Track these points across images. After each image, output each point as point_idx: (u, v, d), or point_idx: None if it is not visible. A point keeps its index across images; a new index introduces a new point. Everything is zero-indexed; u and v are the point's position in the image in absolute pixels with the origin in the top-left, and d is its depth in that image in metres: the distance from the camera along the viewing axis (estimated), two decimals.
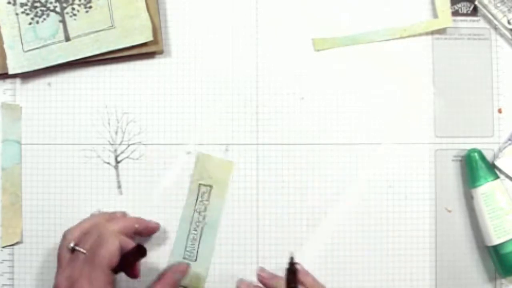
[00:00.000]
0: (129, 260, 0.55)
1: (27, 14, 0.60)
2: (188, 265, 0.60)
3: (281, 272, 0.60)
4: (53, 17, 0.60)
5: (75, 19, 0.60)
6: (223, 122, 0.61)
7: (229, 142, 0.61)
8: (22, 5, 0.60)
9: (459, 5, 0.62)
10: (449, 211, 0.61)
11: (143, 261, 0.55)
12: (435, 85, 0.62)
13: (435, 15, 0.62)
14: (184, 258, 0.60)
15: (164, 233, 0.61)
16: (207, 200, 0.60)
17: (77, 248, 0.54)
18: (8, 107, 0.61)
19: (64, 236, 0.56)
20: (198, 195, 0.60)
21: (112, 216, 0.59)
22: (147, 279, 0.59)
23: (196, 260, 0.60)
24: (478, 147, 0.61)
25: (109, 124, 0.61)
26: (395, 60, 0.62)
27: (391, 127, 0.62)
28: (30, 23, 0.60)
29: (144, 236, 0.60)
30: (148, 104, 0.61)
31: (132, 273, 0.56)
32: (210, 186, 0.60)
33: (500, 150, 0.61)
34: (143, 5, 0.60)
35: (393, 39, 0.62)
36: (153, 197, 0.61)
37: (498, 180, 0.59)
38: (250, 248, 0.61)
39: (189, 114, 0.61)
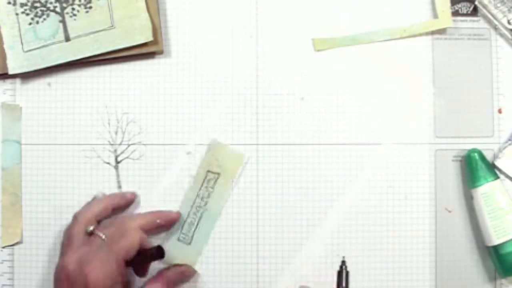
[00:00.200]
0: (144, 259, 0.55)
1: (27, 14, 0.60)
2: (191, 269, 0.59)
3: (282, 274, 0.60)
4: (53, 17, 0.60)
5: (75, 19, 0.60)
6: (223, 122, 0.61)
7: (229, 142, 0.61)
8: (22, 5, 0.60)
9: (459, 5, 0.62)
10: (449, 211, 0.61)
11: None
12: (435, 85, 0.62)
13: (435, 15, 0.62)
14: (179, 239, 0.60)
15: None
16: (212, 187, 0.60)
17: (97, 232, 0.54)
18: (8, 107, 0.61)
19: (76, 218, 0.56)
20: (204, 181, 0.60)
21: (123, 196, 0.59)
22: None
23: (190, 243, 0.60)
24: (478, 147, 0.61)
25: (109, 124, 0.61)
26: (395, 60, 0.62)
27: (391, 127, 0.62)
28: (30, 23, 0.60)
29: (165, 229, 0.60)
30: (148, 104, 0.61)
31: (142, 272, 0.56)
32: (218, 174, 0.60)
33: (500, 150, 0.61)
34: (143, 5, 0.60)
35: (393, 39, 0.62)
36: (153, 197, 0.61)
37: (498, 180, 0.59)
38: (250, 248, 0.61)
39: (189, 114, 0.61)
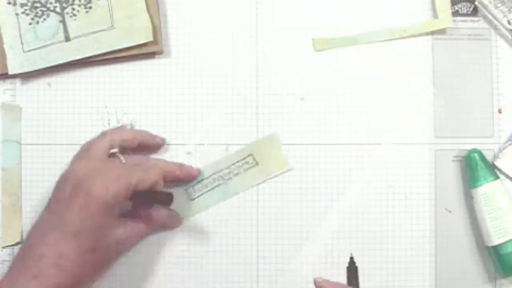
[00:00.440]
0: (150, 199, 0.55)
1: (27, 14, 0.60)
2: (178, 216, 0.59)
3: (282, 274, 0.60)
4: (53, 17, 0.60)
5: (75, 19, 0.60)
6: (223, 122, 0.61)
7: (229, 142, 0.61)
8: (22, 5, 0.60)
9: (459, 5, 0.62)
10: (449, 211, 0.61)
11: None
12: (435, 85, 0.62)
13: (435, 15, 0.62)
14: (186, 190, 0.60)
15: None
16: (244, 170, 0.60)
17: (118, 154, 0.54)
18: (8, 107, 0.61)
19: (104, 134, 0.57)
20: (241, 160, 0.60)
21: (152, 136, 0.59)
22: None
23: (193, 200, 0.60)
24: (478, 147, 0.61)
25: (109, 124, 0.61)
26: (395, 60, 0.62)
27: (391, 127, 0.62)
28: (30, 23, 0.60)
29: (182, 183, 0.60)
30: (148, 104, 0.61)
31: (138, 213, 0.56)
32: (256, 164, 0.60)
33: (500, 150, 0.61)
34: (143, 5, 0.60)
35: (393, 39, 0.62)
36: None
37: (498, 181, 0.59)
38: (250, 248, 0.61)
39: (189, 114, 0.61)
